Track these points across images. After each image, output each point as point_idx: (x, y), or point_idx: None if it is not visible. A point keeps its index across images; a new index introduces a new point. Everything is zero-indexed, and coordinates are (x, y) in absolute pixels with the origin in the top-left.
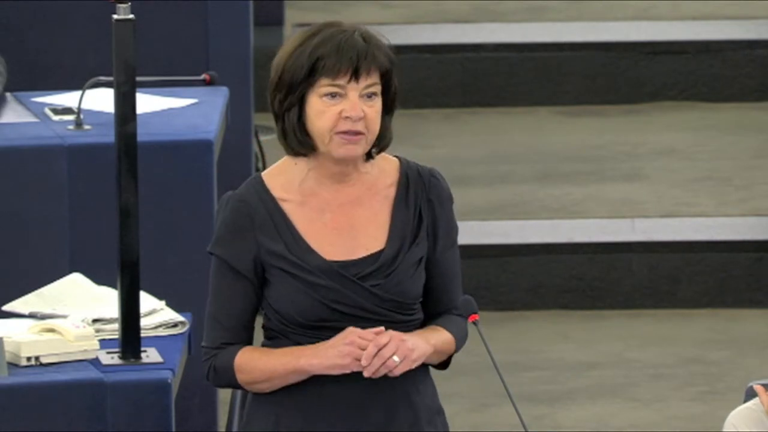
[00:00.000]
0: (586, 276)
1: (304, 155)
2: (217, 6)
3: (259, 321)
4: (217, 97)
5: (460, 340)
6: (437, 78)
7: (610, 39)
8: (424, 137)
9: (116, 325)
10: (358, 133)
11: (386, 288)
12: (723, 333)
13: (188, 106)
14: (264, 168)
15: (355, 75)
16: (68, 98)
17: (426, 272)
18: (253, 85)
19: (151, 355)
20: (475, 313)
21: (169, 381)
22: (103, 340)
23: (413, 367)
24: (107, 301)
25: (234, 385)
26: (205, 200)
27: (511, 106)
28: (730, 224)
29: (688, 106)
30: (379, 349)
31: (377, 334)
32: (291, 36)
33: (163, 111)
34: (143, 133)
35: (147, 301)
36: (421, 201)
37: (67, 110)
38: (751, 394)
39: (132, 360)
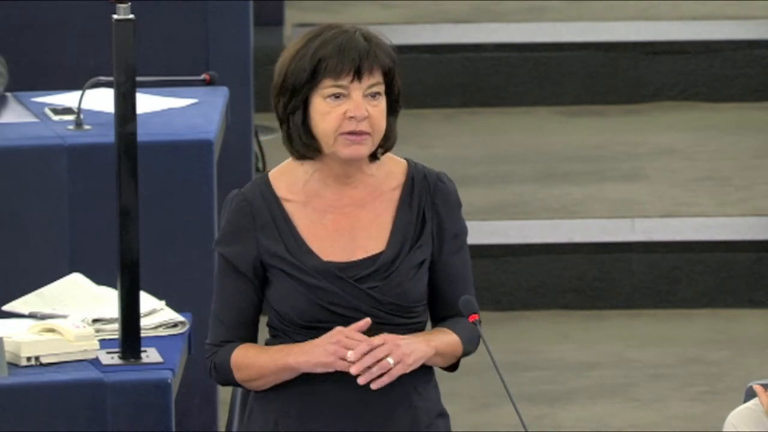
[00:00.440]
0: (586, 276)
1: (310, 158)
2: (217, 6)
3: (264, 319)
4: (217, 97)
5: (469, 342)
6: (437, 78)
7: (610, 39)
8: (424, 137)
9: (116, 325)
10: (363, 133)
11: (384, 290)
12: (723, 333)
13: (188, 106)
14: (264, 168)
15: (358, 75)
16: (68, 98)
17: (433, 276)
18: (253, 85)
19: (151, 355)
20: (476, 312)
21: (169, 381)
22: (103, 340)
23: (409, 370)
24: (107, 301)
25: (233, 382)
26: (205, 200)
27: (511, 106)
28: (730, 224)
29: (688, 106)
30: (372, 349)
31: (364, 328)
32: (291, 36)
33: (163, 111)
34: (143, 133)
35: (147, 301)
36: (426, 204)
37: (67, 110)
38: (750, 394)
39: (132, 360)
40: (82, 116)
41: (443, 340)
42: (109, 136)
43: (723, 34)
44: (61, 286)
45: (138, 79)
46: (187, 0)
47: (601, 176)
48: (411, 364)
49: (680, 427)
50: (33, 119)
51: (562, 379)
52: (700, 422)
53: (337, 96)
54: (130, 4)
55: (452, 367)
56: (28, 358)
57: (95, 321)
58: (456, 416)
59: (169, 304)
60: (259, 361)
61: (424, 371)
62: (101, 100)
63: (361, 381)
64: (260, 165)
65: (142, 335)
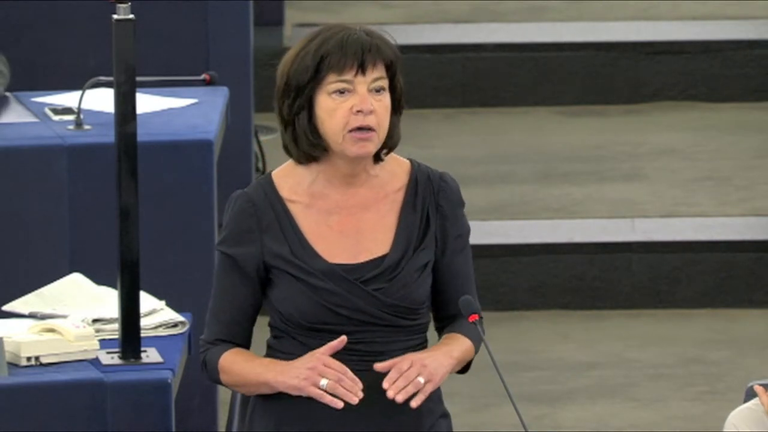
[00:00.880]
0: (586, 276)
1: (315, 159)
2: (217, 6)
3: (265, 319)
4: (217, 97)
5: (477, 343)
6: (437, 78)
7: (610, 39)
8: (424, 137)
9: (116, 325)
10: (370, 129)
11: (389, 292)
12: (723, 333)
13: (188, 106)
14: (264, 168)
15: (362, 68)
16: (68, 98)
17: (436, 276)
18: (253, 85)
19: (151, 355)
20: (476, 312)
21: (169, 381)
22: (103, 340)
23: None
24: (107, 301)
25: (221, 383)
26: (205, 200)
27: (511, 106)
28: (730, 224)
29: (688, 106)
30: (402, 374)
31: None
32: (291, 36)
33: (163, 111)
34: (143, 133)
35: (147, 301)
36: (430, 206)
37: (67, 110)
38: (751, 394)
39: (132, 360)
40: (82, 116)
41: (461, 348)
42: (109, 136)
43: (723, 34)
44: (61, 286)
45: (138, 79)
46: (187, 0)
47: (601, 176)
48: (439, 381)
49: (680, 427)
50: (33, 119)
51: (562, 379)
52: (700, 422)
53: (342, 91)
54: (130, 4)
55: (463, 369)
56: (28, 358)
57: (95, 321)
58: (456, 416)
59: (169, 304)
60: (244, 370)
61: None
62: (101, 100)
63: (399, 399)
64: (260, 165)
65: (142, 335)
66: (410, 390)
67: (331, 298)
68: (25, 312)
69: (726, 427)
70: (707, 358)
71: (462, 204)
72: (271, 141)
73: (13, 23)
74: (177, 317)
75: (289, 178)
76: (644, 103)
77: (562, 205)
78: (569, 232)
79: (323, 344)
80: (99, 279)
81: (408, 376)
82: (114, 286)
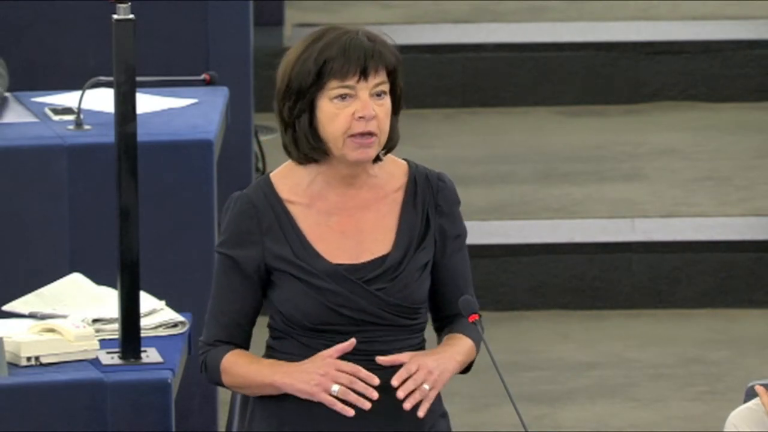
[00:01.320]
0: (586, 276)
1: (315, 161)
2: (217, 6)
3: (265, 320)
4: (217, 97)
5: (478, 342)
6: (437, 78)
7: (610, 39)
8: (424, 137)
9: (116, 325)
10: (371, 134)
11: (391, 292)
12: (723, 333)
13: (188, 106)
14: (264, 168)
15: (364, 74)
16: (68, 98)
17: (435, 276)
18: (253, 85)
19: (151, 355)
20: (475, 312)
21: (169, 381)
22: (103, 340)
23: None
24: (107, 301)
25: (220, 384)
26: (205, 200)
27: (511, 106)
28: (730, 224)
29: (688, 106)
30: (411, 375)
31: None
32: (291, 36)
33: (163, 111)
34: (143, 133)
35: (147, 301)
36: (429, 206)
37: (67, 110)
38: (751, 394)
39: (132, 360)
40: (82, 116)
41: (464, 350)
42: (109, 136)
43: (723, 34)
44: (61, 286)
45: (138, 79)
46: (187, 0)
47: (601, 176)
48: (442, 386)
49: (680, 427)
50: (33, 119)
51: (562, 379)
52: (700, 422)
53: (343, 97)
54: (130, 4)
55: (465, 370)
56: (28, 358)
57: (95, 321)
58: (456, 416)
59: (169, 304)
60: (249, 371)
61: None
62: (101, 100)
63: (407, 406)
64: (260, 165)
65: (142, 335)
66: (417, 397)
67: (334, 298)
68: (25, 312)
69: (726, 427)
70: (707, 358)
71: (458, 203)
72: (271, 141)
73: (13, 23)
74: (177, 317)
75: (288, 179)
76: (644, 103)
77: (562, 205)
78: (569, 232)
79: (325, 345)
80: (99, 279)
81: (416, 380)
82: (114, 286)
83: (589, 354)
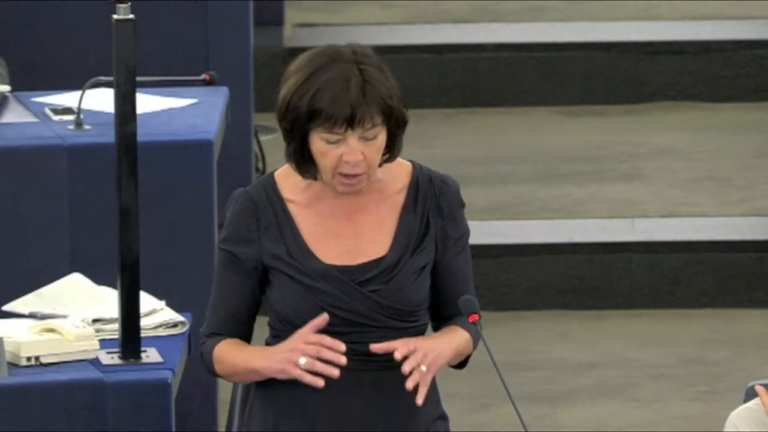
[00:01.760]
0: (586, 276)
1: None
2: (217, 6)
3: (266, 318)
4: (217, 97)
5: (476, 339)
6: (437, 78)
7: (610, 39)
8: (424, 137)
9: (116, 325)
10: (357, 175)
11: (385, 294)
12: (723, 333)
13: (188, 106)
14: (264, 168)
15: (352, 125)
16: (68, 98)
17: (436, 278)
18: (253, 85)
19: (151, 355)
20: (475, 312)
21: (169, 381)
22: (103, 340)
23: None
24: (107, 301)
25: (216, 374)
26: (205, 200)
27: (511, 106)
28: (730, 224)
29: (688, 106)
30: (410, 352)
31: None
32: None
33: (163, 111)
34: (143, 133)
35: (147, 301)
36: (430, 208)
37: (67, 110)
38: (751, 394)
39: (132, 360)
40: (82, 116)
41: (460, 339)
42: (109, 136)
43: (723, 34)
44: (61, 286)
45: (138, 79)
46: (187, 0)
47: (601, 176)
48: (439, 368)
49: (680, 427)
50: (33, 119)
51: (562, 379)
52: (700, 422)
53: (333, 140)
54: (130, 4)
55: (461, 365)
56: (28, 358)
57: (95, 321)
58: (456, 416)
59: (169, 304)
60: (235, 358)
61: None
62: (101, 100)
63: (409, 386)
64: (260, 165)
65: (142, 335)
66: (416, 377)
67: (326, 298)
68: (25, 312)
69: (726, 427)
70: (707, 358)
71: (463, 205)
72: (271, 141)
73: (13, 23)
74: (177, 317)
75: (290, 178)
76: (644, 103)
77: (562, 205)
78: (569, 232)
79: None
80: (99, 279)
81: (416, 358)
82: (114, 286)
83: (589, 354)
